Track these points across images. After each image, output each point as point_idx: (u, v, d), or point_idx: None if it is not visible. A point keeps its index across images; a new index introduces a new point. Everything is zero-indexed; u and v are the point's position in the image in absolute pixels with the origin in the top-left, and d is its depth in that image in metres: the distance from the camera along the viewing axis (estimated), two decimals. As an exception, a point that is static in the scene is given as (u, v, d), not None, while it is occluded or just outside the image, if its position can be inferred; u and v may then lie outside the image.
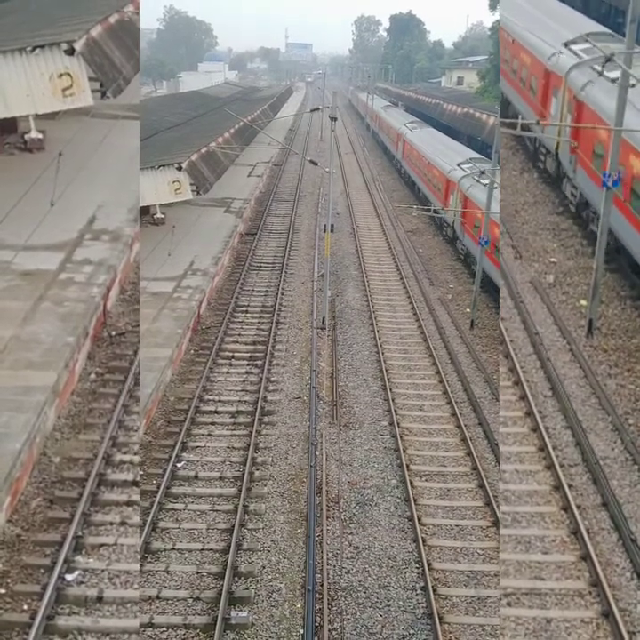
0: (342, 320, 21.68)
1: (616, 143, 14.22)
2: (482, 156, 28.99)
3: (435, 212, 28.97)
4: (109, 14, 16.18)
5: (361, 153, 56.23)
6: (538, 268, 19.00)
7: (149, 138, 28.31)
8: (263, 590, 10.81)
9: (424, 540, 11.92)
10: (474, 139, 39.14)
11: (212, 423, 15.35)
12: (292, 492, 13.20)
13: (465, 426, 15.48)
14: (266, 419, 15.68)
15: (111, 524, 11.21)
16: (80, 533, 10.88)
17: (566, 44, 20.25)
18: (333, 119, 20.24)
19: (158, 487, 12.79)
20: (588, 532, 11.28)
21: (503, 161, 24.46)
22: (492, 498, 12.93)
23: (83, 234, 17.65)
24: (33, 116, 20.21)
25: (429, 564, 11.37)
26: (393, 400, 16.69)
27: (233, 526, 11.90)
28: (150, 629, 9.90)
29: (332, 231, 21.73)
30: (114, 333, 15.71)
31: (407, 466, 13.99)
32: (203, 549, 11.52)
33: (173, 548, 11.49)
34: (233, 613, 10.21)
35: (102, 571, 10.35)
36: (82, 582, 10.15)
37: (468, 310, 21.90)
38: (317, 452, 14.27)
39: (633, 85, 13.47)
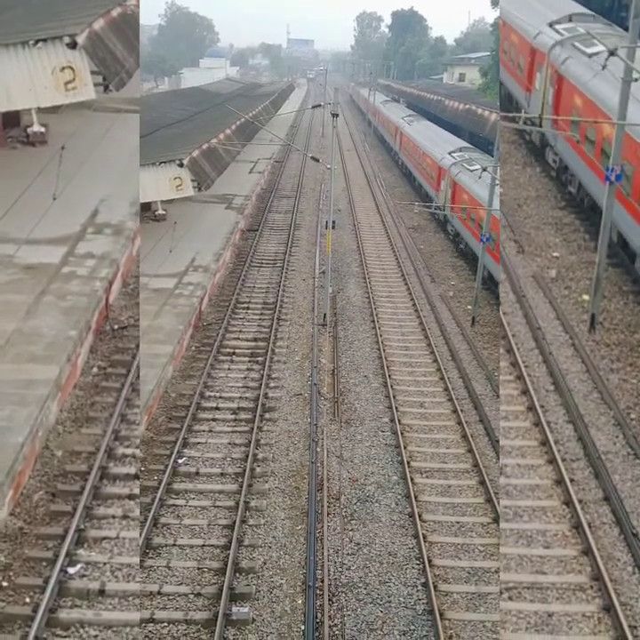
0: (343, 317, 21.67)
1: (619, 136, 14.22)
2: (471, 146, 31.25)
3: (436, 208, 28.96)
4: (112, 7, 16.13)
5: (362, 150, 56.14)
6: (540, 262, 19.00)
7: (151, 134, 28.25)
8: (264, 586, 10.82)
9: (425, 537, 11.92)
10: (476, 135, 39.06)
11: (214, 419, 15.34)
12: (293, 488, 13.21)
13: (466, 423, 15.48)
14: (267, 415, 15.68)
15: (113, 517, 11.23)
16: (82, 526, 10.90)
17: (551, 24, 21.74)
18: (335, 115, 20.19)
19: (159, 483, 12.79)
20: (590, 527, 11.30)
21: (505, 155, 24.46)
22: (492, 494, 12.94)
23: (85, 227, 17.63)
24: (35, 110, 20.18)
25: (430, 561, 11.38)
26: (394, 397, 16.68)
27: (234, 522, 11.90)
28: (151, 625, 9.91)
29: (333, 228, 21.70)
30: (116, 327, 15.72)
31: (408, 462, 13.99)
32: (204, 545, 11.53)
33: (175, 544, 11.50)
34: (234, 609, 10.22)
35: (104, 564, 10.36)
36: (84, 575, 10.17)
37: (469, 307, 21.89)
38: (318, 449, 14.28)
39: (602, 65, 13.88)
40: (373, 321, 21.27)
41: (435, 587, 10.81)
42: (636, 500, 11.74)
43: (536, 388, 14.71)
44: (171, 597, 10.44)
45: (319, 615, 10.24)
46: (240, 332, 19.99)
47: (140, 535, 11.24)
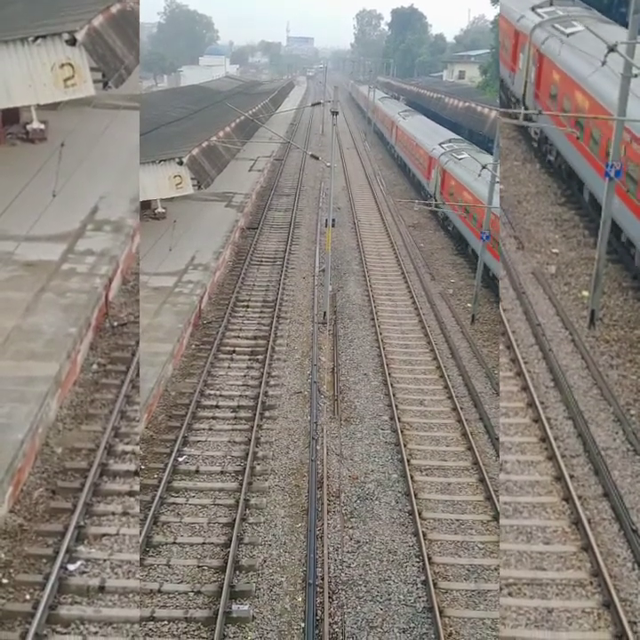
0: (343, 315, 21.65)
1: (619, 132, 14.22)
2: (460, 137, 33.76)
3: (436, 206, 28.96)
4: (111, 4, 16.09)
5: (362, 148, 56.09)
6: (540, 258, 18.99)
7: (150, 132, 28.20)
8: (264, 584, 10.82)
9: (424, 534, 11.92)
10: (475, 132, 39.01)
11: (214, 418, 15.34)
12: (293, 486, 13.21)
13: (466, 420, 15.48)
14: (267, 413, 15.67)
15: (113, 514, 11.23)
16: (82, 523, 10.90)
17: (533, 8, 23.42)
18: (335, 113, 20.16)
19: (160, 481, 12.79)
20: (590, 523, 11.31)
21: (505, 152, 24.47)
22: (492, 492, 12.94)
23: (85, 224, 17.61)
24: (35, 107, 20.14)
25: (430, 558, 11.37)
26: (394, 395, 16.68)
27: (234, 520, 11.90)
28: (152, 623, 9.91)
29: (333, 226, 21.68)
30: (116, 324, 15.71)
31: (408, 460, 13.99)
32: (204, 543, 11.53)
33: (175, 542, 11.50)
34: (234, 607, 10.22)
35: (104, 560, 10.37)
36: (84, 572, 10.17)
37: (469, 305, 21.88)
38: (318, 447, 14.27)
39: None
40: (373, 319, 21.25)
41: (434, 584, 10.82)
42: (635, 496, 11.75)
43: (536, 385, 14.71)
44: (171, 595, 10.44)
45: (319, 613, 10.25)
46: (240, 330, 19.98)
47: (141, 533, 11.25)
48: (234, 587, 10.59)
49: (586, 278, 17.61)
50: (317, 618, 10.15)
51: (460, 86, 66.09)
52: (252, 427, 14.85)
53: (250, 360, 18.22)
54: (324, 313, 21.05)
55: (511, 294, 17.74)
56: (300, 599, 10.54)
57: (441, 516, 12.51)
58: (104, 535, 10.81)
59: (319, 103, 31.03)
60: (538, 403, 14.10)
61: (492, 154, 25.27)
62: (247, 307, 21.68)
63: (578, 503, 11.64)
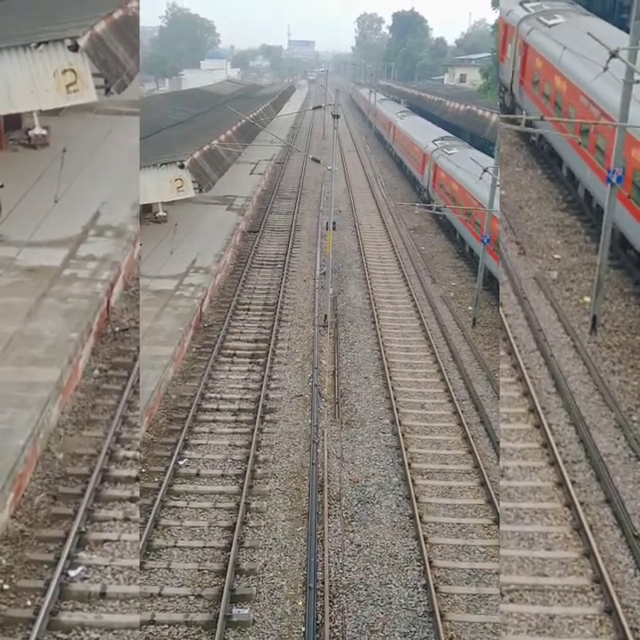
0: (344, 318, 21.67)
1: (621, 137, 14.22)
2: (451, 135, 36.19)
3: (437, 209, 28.97)
4: (113, 10, 16.16)
5: (363, 151, 56.15)
6: (542, 264, 18.99)
7: (152, 135, 28.29)
8: (265, 588, 10.82)
9: (425, 538, 11.91)
10: (476, 136, 39.04)
11: (214, 421, 15.35)
12: (293, 489, 13.21)
13: (467, 424, 15.47)
14: (267, 416, 15.68)
15: (114, 519, 11.23)
16: (83, 529, 10.90)
17: (521, 3, 25.36)
18: (336, 116, 20.19)
19: (160, 485, 12.80)
20: (591, 529, 11.28)
21: (507, 157, 24.52)
22: (493, 496, 12.93)
23: (86, 230, 17.66)
24: (37, 112, 20.21)
25: (431, 562, 11.37)
26: (394, 398, 16.68)
27: (234, 524, 11.91)
28: (152, 626, 9.91)
29: (334, 229, 21.71)
30: (117, 329, 15.73)
31: (409, 464, 13.98)
32: (204, 547, 11.53)
33: (175, 546, 11.51)
34: (234, 610, 10.22)
35: (105, 566, 10.37)
36: (85, 578, 10.17)
37: (470, 308, 21.88)
38: (319, 450, 14.28)
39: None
40: (374, 322, 21.26)
41: (435, 588, 10.81)
42: (637, 501, 11.73)
43: (537, 390, 14.69)
44: (171, 599, 10.44)
45: (320, 617, 10.24)
46: (241, 333, 20.00)
47: (141, 537, 11.25)
48: (234, 590, 10.60)
49: (587, 284, 17.60)
50: (318, 622, 10.14)
51: (461, 90, 66.11)
52: (253, 430, 14.86)
53: (251, 363, 18.23)
54: (325, 316, 21.07)
55: (513, 299, 17.74)
56: (300, 603, 10.54)
57: (442, 520, 12.50)
58: (105, 541, 10.81)
59: (320, 106, 31.14)
60: (539, 408, 14.08)
61: (491, 155, 25.67)
62: (248, 310, 21.71)
63: (580, 509, 11.62)
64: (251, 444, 14.34)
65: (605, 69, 12.46)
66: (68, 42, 13.84)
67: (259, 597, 10.60)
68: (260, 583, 10.90)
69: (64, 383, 13.07)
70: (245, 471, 13.42)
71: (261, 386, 16.80)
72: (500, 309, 17.33)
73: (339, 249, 27.91)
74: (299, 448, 14.51)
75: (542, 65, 22.05)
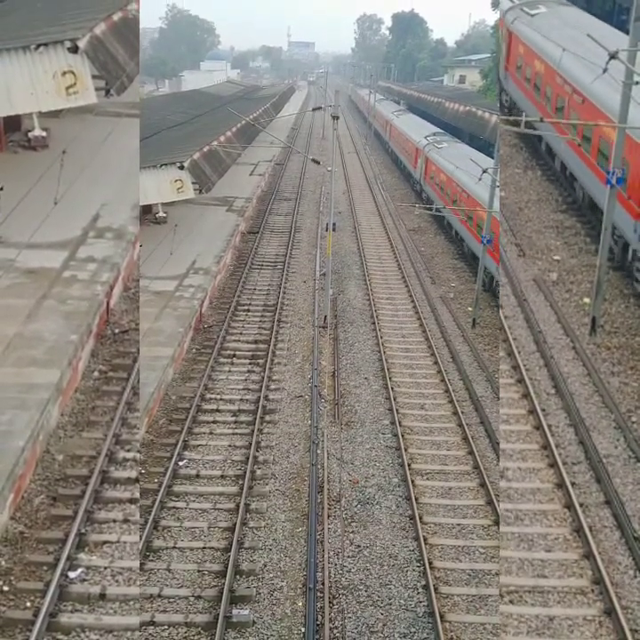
0: (344, 319, 21.68)
1: (620, 139, 14.22)
2: (443, 131, 39.12)
3: (437, 211, 28.99)
4: (113, 12, 16.17)
5: (363, 152, 56.18)
6: (541, 265, 19.00)
7: (151, 136, 28.32)
8: (265, 588, 10.82)
9: (425, 539, 11.92)
10: (476, 137, 39.07)
11: (214, 422, 15.36)
12: (293, 490, 13.21)
13: (466, 424, 15.48)
14: (267, 417, 15.69)
15: (114, 521, 11.23)
16: (83, 531, 10.90)
17: None
18: (335, 117, 20.21)
19: (160, 486, 12.80)
20: (591, 530, 11.28)
21: (506, 159, 24.55)
22: (493, 496, 12.93)
23: (86, 232, 17.66)
24: (37, 114, 20.20)
25: (431, 563, 11.37)
26: (394, 399, 16.68)
27: (234, 525, 11.92)
28: (152, 627, 9.91)
29: (333, 230, 21.71)
30: (117, 331, 15.74)
31: (408, 464, 13.99)
32: (204, 548, 11.54)
33: (175, 547, 11.51)
34: (234, 611, 10.22)
35: (105, 568, 10.36)
36: (85, 579, 10.17)
37: (469, 309, 21.89)
38: (319, 451, 14.28)
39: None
40: (374, 323, 21.27)
41: (435, 589, 10.81)
42: (637, 503, 11.72)
43: (537, 392, 14.70)
44: (171, 600, 10.45)
45: (320, 617, 10.24)
46: (241, 334, 20.02)
47: (141, 538, 11.25)
48: (234, 591, 10.60)
49: (587, 285, 17.61)
50: (318, 623, 10.14)
51: (460, 91, 66.13)
52: (253, 431, 14.87)
53: (250, 364, 18.24)
54: (325, 317, 21.08)
55: (512, 301, 17.75)
56: (300, 604, 10.54)
57: (442, 521, 12.50)
58: (105, 542, 10.80)
59: (320, 108, 31.16)
60: (539, 410, 14.08)
61: (489, 155, 25.86)
62: (248, 311, 21.72)
63: (579, 511, 11.62)
64: (250, 444, 14.34)
65: (576, 54, 14.28)
66: (68, 43, 13.85)
67: (258, 598, 10.61)
68: (260, 584, 10.90)
69: (64, 385, 13.08)
70: (245, 472, 13.43)
71: (261, 387, 16.81)
72: (500, 311, 17.34)
73: (338, 250, 27.92)
74: (298, 449, 14.52)
75: (524, 50, 24.01)
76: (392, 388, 17.16)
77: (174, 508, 12.49)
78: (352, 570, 11.34)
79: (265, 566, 11.26)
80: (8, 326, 13.81)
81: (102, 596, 9.89)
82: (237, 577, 10.99)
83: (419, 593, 10.87)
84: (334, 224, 22.03)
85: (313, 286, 24.13)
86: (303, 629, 10.05)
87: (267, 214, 33.15)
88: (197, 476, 13.44)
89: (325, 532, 12.05)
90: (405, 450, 14.52)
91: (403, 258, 27.89)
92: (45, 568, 10.19)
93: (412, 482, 13.45)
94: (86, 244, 17.18)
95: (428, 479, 13.74)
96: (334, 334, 20.48)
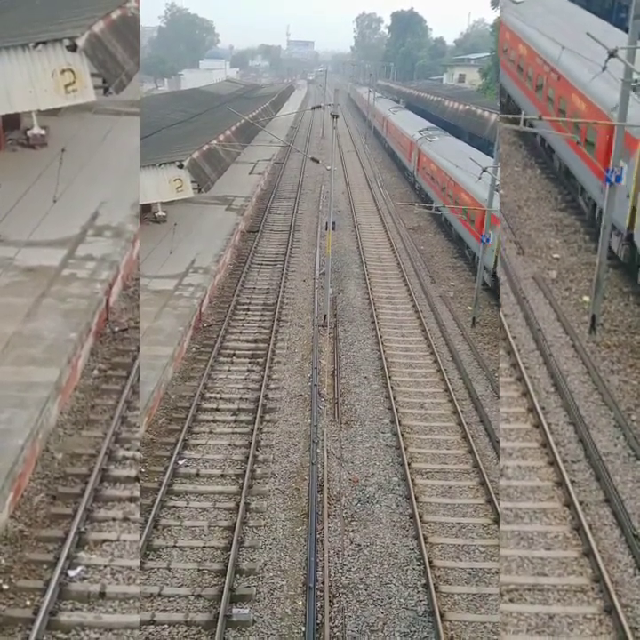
0: (344, 318, 21.67)
1: (620, 137, 14.24)
2: (436, 126, 40.92)
3: (436, 210, 28.98)
4: (112, 10, 16.15)
5: (362, 151, 56.15)
6: (541, 263, 19.01)
7: (151, 135, 28.27)
8: (265, 587, 10.82)
9: (425, 538, 11.91)
10: (475, 136, 39.06)
11: (214, 421, 15.35)
12: (293, 489, 13.21)
13: (466, 423, 15.48)
14: (267, 416, 15.68)
15: (114, 519, 11.22)
16: (83, 529, 10.89)
17: None
18: (335, 116, 20.18)
19: (160, 485, 12.80)
20: (591, 528, 11.29)
21: (506, 157, 24.55)
22: (493, 495, 12.93)
23: (85, 230, 17.64)
24: (35, 112, 20.19)
25: (431, 562, 11.37)
26: (394, 398, 16.68)
27: (234, 524, 11.91)
28: (152, 626, 9.90)
29: (333, 229, 21.70)
30: (116, 329, 15.72)
31: (408, 463, 13.98)
32: (204, 547, 11.53)
33: (175, 546, 11.50)
34: (234, 610, 10.22)
35: (105, 566, 10.36)
36: (84, 578, 10.16)
37: (469, 308, 21.89)
38: (319, 450, 14.28)
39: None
40: (373, 322, 21.26)
41: (435, 588, 10.81)
42: (636, 501, 11.74)
43: (536, 390, 14.70)
44: (171, 599, 10.44)
45: (320, 616, 10.24)
46: (240, 333, 20.00)
47: (141, 537, 11.25)
48: (234, 590, 10.60)
49: (586, 283, 17.62)
50: (318, 622, 10.14)
51: (460, 89, 66.10)
52: (253, 430, 14.86)
53: (250, 363, 18.23)
54: (325, 316, 21.07)
55: (512, 299, 17.76)
56: (300, 603, 10.54)
57: (442, 520, 12.50)
58: (105, 541, 10.80)
59: (319, 106, 31.11)
60: (539, 408, 14.09)
61: (490, 155, 25.82)
62: (248, 310, 21.71)
63: (579, 509, 11.63)
64: (250, 443, 14.33)
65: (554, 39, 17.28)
66: (67, 42, 13.83)
67: (259, 597, 10.60)
68: (260, 583, 10.90)
69: (63, 383, 13.06)
70: (245, 471, 13.42)
71: (261, 386, 16.80)
72: (500, 309, 17.34)
73: (338, 249, 27.91)
74: (298, 448, 14.51)
75: (509, 36, 26.49)
76: (392, 387, 17.15)
77: (174, 506, 12.49)
78: (352, 569, 11.34)
79: (265, 565, 11.26)
80: (7, 325, 13.79)
81: (102, 595, 9.89)
82: (237, 576, 10.99)
83: (419, 592, 10.87)
84: (334, 223, 22.01)
85: (312, 285, 24.12)
86: (303, 628, 10.05)
87: (266, 213, 33.13)
88: (197, 474, 13.44)
89: (325, 530, 12.05)
90: (405, 449, 14.52)
91: (402, 257, 27.88)
92: (45, 566, 10.19)
93: (412, 480, 13.45)
94: (85, 242, 17.15)
95: (427, 478, 13.74)
96: (334, 333, 20.47)
